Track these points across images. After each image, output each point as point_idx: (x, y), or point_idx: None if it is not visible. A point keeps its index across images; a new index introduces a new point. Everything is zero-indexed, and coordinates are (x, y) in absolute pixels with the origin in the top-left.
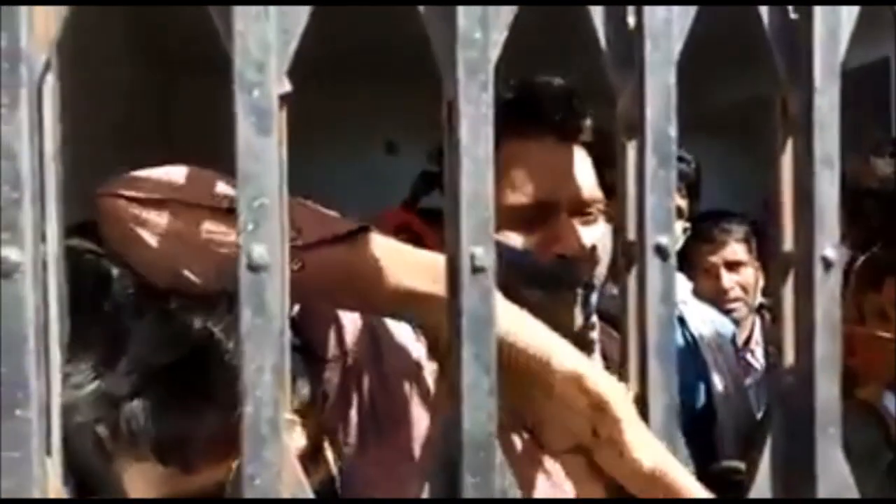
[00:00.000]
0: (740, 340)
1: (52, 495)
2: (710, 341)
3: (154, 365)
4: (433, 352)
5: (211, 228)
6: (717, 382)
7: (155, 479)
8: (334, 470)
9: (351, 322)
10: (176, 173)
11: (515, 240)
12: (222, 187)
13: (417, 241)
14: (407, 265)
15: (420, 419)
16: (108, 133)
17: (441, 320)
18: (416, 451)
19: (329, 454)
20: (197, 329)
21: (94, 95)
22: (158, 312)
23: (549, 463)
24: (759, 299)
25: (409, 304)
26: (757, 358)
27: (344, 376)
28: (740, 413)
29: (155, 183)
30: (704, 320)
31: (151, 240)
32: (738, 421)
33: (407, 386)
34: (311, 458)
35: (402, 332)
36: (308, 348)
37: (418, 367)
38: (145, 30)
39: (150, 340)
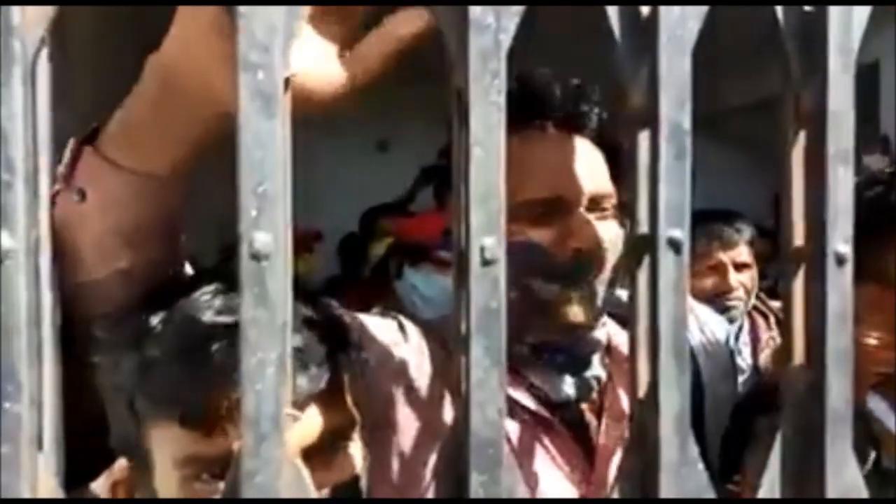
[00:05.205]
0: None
1: (42, 492)
2: (704, 345)
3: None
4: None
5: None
6: (708, 387)
7: (178, 441)
8: (357, 467)
9: None
10: None
11: (531, 235)
12: None
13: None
14: None
15: (407, 421)
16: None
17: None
18: (405, 453)
19: (354, 449)
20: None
21: (70, 76)
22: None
23: (547, 441)
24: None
25: None
26: (744, 358)
27: None
28: (727, 419)
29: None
30: (700, 323)
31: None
32: (724, 427)
33: (391, 388)
34: (328, 452)
35: (386, 332)
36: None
37: (404, 367)
38: (126, 11)
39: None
